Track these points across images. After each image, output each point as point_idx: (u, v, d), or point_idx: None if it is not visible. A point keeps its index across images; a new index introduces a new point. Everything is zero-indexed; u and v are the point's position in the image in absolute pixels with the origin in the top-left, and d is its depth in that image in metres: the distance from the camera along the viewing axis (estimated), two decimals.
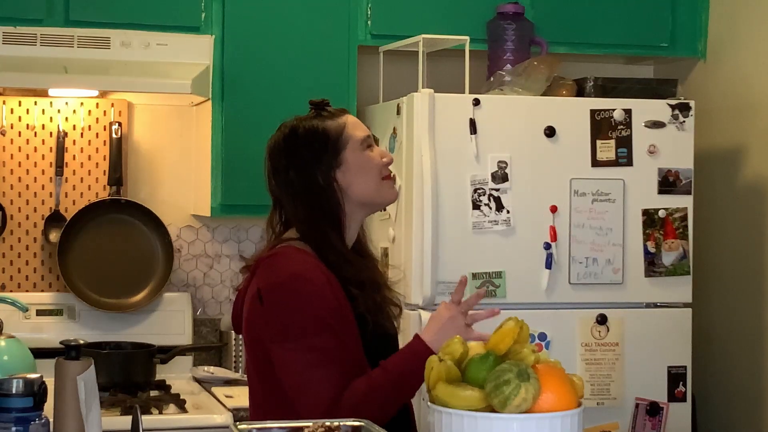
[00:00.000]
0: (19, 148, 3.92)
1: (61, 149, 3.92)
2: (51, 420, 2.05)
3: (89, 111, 3.98)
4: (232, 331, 3.98)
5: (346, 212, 2.52)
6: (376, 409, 2.34)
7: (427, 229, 3.41)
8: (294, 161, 2.53)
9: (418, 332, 2.46)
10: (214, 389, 3.72)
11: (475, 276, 3.49)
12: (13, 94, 3.90)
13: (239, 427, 1.98)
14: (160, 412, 3.46)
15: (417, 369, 2.27)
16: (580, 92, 3.75)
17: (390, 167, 2.59)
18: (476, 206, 3.51)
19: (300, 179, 2.51)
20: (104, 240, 3.93)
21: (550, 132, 3.57)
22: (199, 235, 4.11)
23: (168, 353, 3.83)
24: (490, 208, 3.51)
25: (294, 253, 2.48)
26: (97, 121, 3.98)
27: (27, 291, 3.91)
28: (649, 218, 3.65)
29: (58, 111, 3.94)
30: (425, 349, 2.38)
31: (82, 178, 3.97)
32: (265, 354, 2.44)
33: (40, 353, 3.36)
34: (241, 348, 3.95)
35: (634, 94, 3.72)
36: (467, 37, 3.69)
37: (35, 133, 3.93)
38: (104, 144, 3.98)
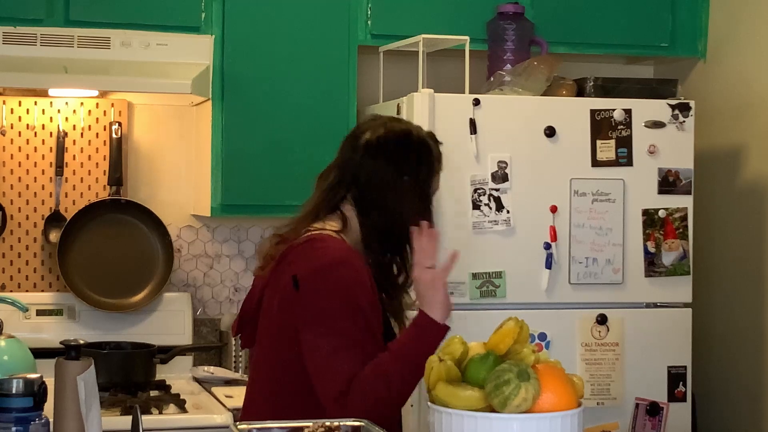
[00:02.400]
0: (19, 148, 3.92)
1: (61, 149, 3.92)
2: (51, 420, 2.05)
3: (89, 111, 3.98)
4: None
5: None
6: (383, 388, 2.34)
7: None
8: (404, 157, 2.55)
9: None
10: (214, 389, 3.72)
11: (475, 276, 3.49)
12: (13, 94, 3.90)
13: (239, 427, 1.98)
14: (160, 412, 3.46)
15: (415, 336, 2.38)
16: (580, 92, 3.75)
17: None
18: (476, 206, 3.51)
19: (399, 173, 2.53)
20: (104, 240, 3.93)
21: (550, 132, 3.57)
22: (199, 235, 4.11)
23: (168, 353, 3.83)
24: (490, 208, 3.52)
25: (333, 240, 2.48)
26: (97, 121, 3.98)
27: (27, 291, 3.91)
28: (649, 218, 3.65)
29: (58, 111, 3.94)
30: (421, 314, 2.43)
31: (82, 178, 3.97)
32: (291, 342, 2.43)
33: (40, 353, 3.36)
34: (241, 348, 3.95)
35: (634, 94, 3.72)
36: (467, 37, 3.69)
37: (35, 133, 3.93)
38: (104, 144, 3.98)
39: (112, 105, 3.99)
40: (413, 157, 2.56)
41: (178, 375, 3.90)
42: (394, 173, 2.53)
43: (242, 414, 2.66)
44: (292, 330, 2.44)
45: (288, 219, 2.63)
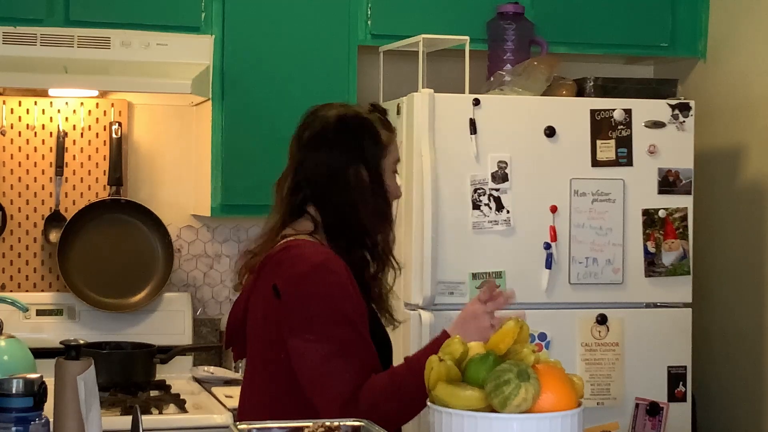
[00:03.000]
0: (19, 148, 3.92)
1: (61, 149, 3.92)
2: (51, 420, 2.05)
3: (89, 111, 3.98)
4: None
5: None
6: (395, 406, 2.31)
7: (427, 229, 3.41)
8: (346, 142, 2.48)
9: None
10: (214, 389, 3.72)
11: (475, 276, 3.49)
12: (13, 94, 3.90)
13: (239, 427, 1.98)
14: (160, 412, 3.46)
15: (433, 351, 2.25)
16: (580, 92, 3.76)
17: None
18: (476, 206, 3.51)
19: (344, 161, 2.47)
20: (104, 240, 3.93)
21: (550, 132, 3.57)
22: (199, 235, 4.11)
23: (168, 353, 3.83)
24: (490, 208, 3.51)
25: (310, 245, 2.45)
26: (97, 121, 3.98)
27: (27, 291, 3.91)
28: (649, 218, 3.65)
29: (58, 111, 3.94)
30: (444, 333, 2.38)
31: (82, 178, 3.97)
32: (278, 353, 2.40)
33: (40, 353, 3.36)
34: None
35: (634, 94, 3.72)
36: (467, 37, 3.69)
37: (35, 133, 3.93)
38: (104, 144, 3.98)
39: (112, 105, 3.99)
40: (352, 140, 2.48)
41: (178, 375, 3.90)
42: (339, 162, 2.47)
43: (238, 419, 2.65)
44: (279, 339, 2.41)
45: (258, 234, 2.60)
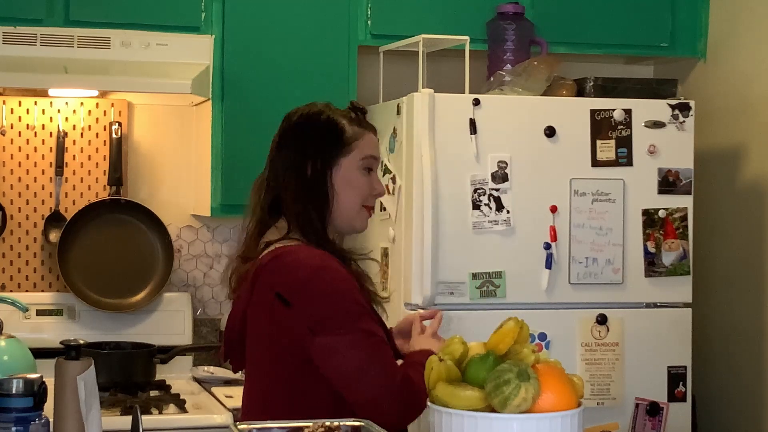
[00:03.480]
0: (19, 148, 3.92)
1: (61, 149, 3.92)
2: (51, 420, 2.05)
3: (89, 111, 3.98)
4: None
5: (330, 214, 2.52)
6: (417, 400, 2.31)
7: (427, 229, 3.41)
8: (303, 139, 2.53)
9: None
10: (214, 389, 3.72)
11: (475, 276, 3.49)
12: (13, 94, 3.90)
13: (239, 427, 1.98)
14: (160, 412, 3.46)
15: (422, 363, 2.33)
16: (580, 92, 3.75)
17: (378, 200, 2.60)
18: (476, 206, 3.51)
19: (302, 159, 2.51)
20: (104, 240, 3.93)
21: (550, 132, 3.57)
22: (199, 235, 4.11)
23: (168, 353, 3.83)
24: (490, 208, 3.51)
25: (303, 249, 2.46)
26: (97, 121, 3.98)
27: (27, 291, 3.91)
28: (649, 218, 3.65)
29: (58, 111, 3.94)
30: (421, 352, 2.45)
31: (82, 178, 3.97)
32: (293, 358, 2.41)
33: (40, 353, 3.36)
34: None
35: (634, 94, 3.71)
36: (467, 37, 3.69)
37: (35, 133, 3.93)
38: (104, 144, 3.98)
39: (112, 105, 3.99)
40: (307, 138, 2.53)
41: (178, 375, 3.90)
42: (294, 161, 2.51)
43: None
44: (292, 344, 2.41)
45: (239, 239, 2.61)
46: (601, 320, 3.59)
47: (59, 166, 3.92)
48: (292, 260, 2.43)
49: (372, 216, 2.62)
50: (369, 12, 3.89)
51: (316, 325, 2.38)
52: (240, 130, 3.77)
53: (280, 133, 2.59)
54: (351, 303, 2.40)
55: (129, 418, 2.14)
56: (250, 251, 2.53)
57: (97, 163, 3.98)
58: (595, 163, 3.61)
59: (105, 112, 3.99)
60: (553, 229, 3.56)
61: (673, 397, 3.65)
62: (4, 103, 3.90)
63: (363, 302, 2.43)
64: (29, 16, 3.62)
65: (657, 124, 3.66)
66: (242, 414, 2.61)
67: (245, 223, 2.59)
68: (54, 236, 3.89)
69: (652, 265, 3.64)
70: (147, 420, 3.24)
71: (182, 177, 4.08)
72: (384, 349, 2.40)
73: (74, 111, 3.96)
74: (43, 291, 3.93)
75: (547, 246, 3.55)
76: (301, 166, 2.51)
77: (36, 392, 1.99)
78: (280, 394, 2.47)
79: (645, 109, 3.65)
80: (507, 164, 3.53)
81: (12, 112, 3.91)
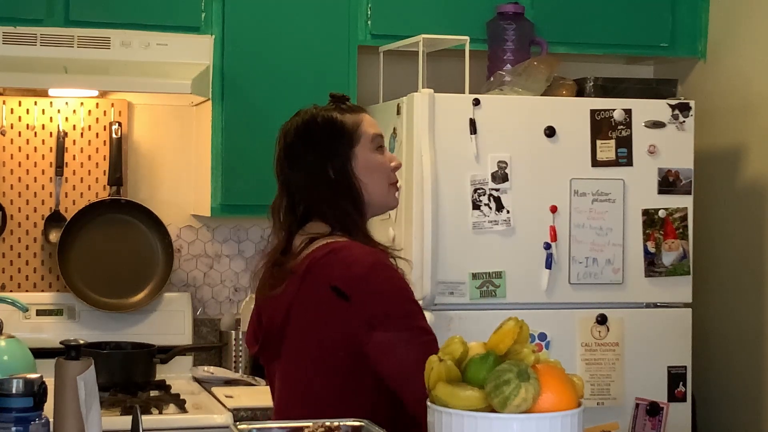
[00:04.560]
0: (19, 148, 3.92)
1: (61, 149, 3.92)
2: (51, 420, 2.05)
3: (89, 111, 3.98)
4: (233, 331, 3.98)
5: (365, 202, 2.52)
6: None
7: (427, 229, 3.41)
8: (312, 147, 2.52)
9: None
10: (214, 389, 3.72)
11: (475, 276, 3.49)
12: (13, 94, 3.90)
13: (239, 427, 1.98)
14: (160, 412, 3.46)
15: None
16: (580, 92, 3.76)
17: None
18: (476, 206, 3.51)
19: (320, 165, 2.50)
20: (104, 240, 3.93)
21: (550, 132, 3.57)
22: (199, 235, 4.11)
23: (168, 353, 3.84)
24: (490, 208, 3.52)
25: (355, 245, 2.46)
26: (97, 121, 3.98)
27: (27, 291, 3.91)
28: (649, 218, 3.65)
29: (58, 111, 3.94)
30: None
31: (82, 178, 3.97)
32: (342, 351, 2.41)
33: (40, 353, 3.36)
34: (241, 348, 3.95)
35: (634, 94, 3.72)
36: (467, 37, 3.69)
37: (35, 133, 3.93)
38: (104, 144, 3.98)
39: (112, 105, 3.99)
40: (317, 144, 2.51)
41: (178, 375, 3.90)
42: (315, 169, 2.50)
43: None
44: (344, 338, 2.41)
45: (269, 245, 2.60)
46: (601, 320, 3.59)
47: (59, 166, 3.92)
48: (347, 255, 2.43)
49: (401, 189, 2.61)
50: (369, 12, 3.89)
51: (374, 320, 2.38)
52: (240, 130, 3.77)
53: (284, 152, 2.56)
54: (408, 301, 2.41)
55: (129, 418, 2.14)
56: (287, 246, 2.53)
57: (97, 163, 3.98)
58: (595, 163, 3.61)
59: (105, 112, 3.99)
60: (553, 229, 3.56)
61: (673, 397, 3.65)
62: (4, 103, 3.90)
63: (415, 298, 2.44)
64: (29, 16, 3.62)
65: (657, 124, 3.66)
66: (276, 408, 2.58)
67: (270, 245, 2.57)
68: (54, 236, 3.89)
69: (652, 265, 3.64)
70: (147, 420, 3.24)
71: (182, 177, 4.08)
72: (437, 349, 2.39)
73: (74, 111, 3.96)
74: (43, 291, 3.93)
75: (547, 246, 3.55)
76: (322, 172, 2.50)
77: (36, 392, 1.98)
78: (325, 386, 2.46)
79: (645, 109, 3.65)
80: (507, 164, 3.53)
81: (12, 112, 3.91)
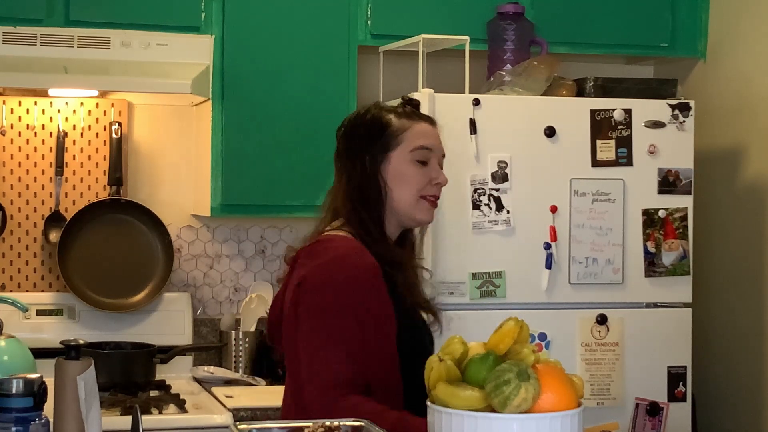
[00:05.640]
0: (19, 148, 3.92)
1: (61, 149, 3.92)
2: (51, 420, 2.05)
3: (89, 111, 3.98)
4: (233, 331, 3.98)
5: (386, 209, 2.52)
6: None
7: (427, 229, 3.40)
8: (352, 139, 2.55)
9: None
10: (214, 389, 3.72)
11: (475, 276, 3.49)
12: (13, 94, 3.90)
13: (239, 427, 1.98)
14: (160, 412, 3.46)
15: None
16: (580, 92, 3.76)
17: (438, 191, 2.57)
18: (476, 206, 3.51)
19: (352, 158, 2.53)
20: (104, 240, 3.93)
21: (550, 132, 3.57)
22: (199, 235, 4.11)
23: (168, 353, 3.83)
24: (490, 208, 3.52)
25: (338, 239, 2.47)
26: (97, 121, 3.98)
27: (27, 291, 3.91)
28: (649, 218, 3.65)
29: (58, 111, 3.94)
30: None
31: (82, 178, 3.97)
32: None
33: (40, 353, 3.36)
34: (241, 348, 3.95)
35: (634, 94, 3.72)
36: (467, 37, 3.69)
37: (35, 133, 3.93)
38: (104, 144, 3.98)
39: (112, 105, 3.99)
40: (359, 140, 2.54)
41: (178, 375, 3.90)
42: (351, 157, 2.54)
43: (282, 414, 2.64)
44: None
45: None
46: (601, 320, 3.59)
47: (59, 166, 3.92)
48: (323, 247, 2.46)
49: (437, 206, 2.59)
50: (369, 12, 3.89)
51: (303, 314, 2.40)
52: (240, 130, 3.77)
53: (337, 140, 2.60)
54: (336, 301, 2.37)
55: (129, 418, 2.14)
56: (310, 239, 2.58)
57: (97, 163, 3.98)
58: (595, 163, 3.61)
59: (105, 112, 3.99)
60: (553, 229, 3.56)
61: (673, 397, 3.65)
62: (4, 103, 3.90)
63: (356, 303, 2.38)
64: (29, 16, 3.62)
65: (657, 124, 3.66)
66: (283, 403, 2.60)
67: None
68: (54, 236, 3.89)
69: (652, 265, 3.64)
70: (147, 420, 3.24)
71: (182, 177, 4.08)
72: (335, 350, 2.35)
73: (74, 111, 3.96)
74: (43, 291, 3.93)
75: (547, 246, 3.55)
76: (351, 167, 2.53)
77: (36, 392, 1.98)
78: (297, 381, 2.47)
79: (645, 109, 3.65)
80: (507, 164, 3.53)
81: (12, 112, 3.91)
